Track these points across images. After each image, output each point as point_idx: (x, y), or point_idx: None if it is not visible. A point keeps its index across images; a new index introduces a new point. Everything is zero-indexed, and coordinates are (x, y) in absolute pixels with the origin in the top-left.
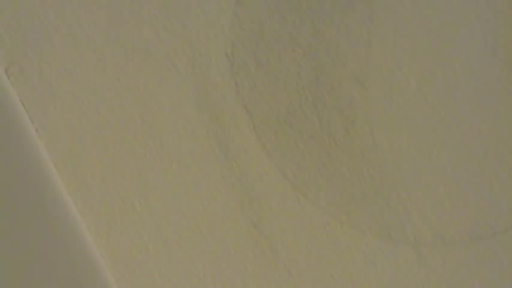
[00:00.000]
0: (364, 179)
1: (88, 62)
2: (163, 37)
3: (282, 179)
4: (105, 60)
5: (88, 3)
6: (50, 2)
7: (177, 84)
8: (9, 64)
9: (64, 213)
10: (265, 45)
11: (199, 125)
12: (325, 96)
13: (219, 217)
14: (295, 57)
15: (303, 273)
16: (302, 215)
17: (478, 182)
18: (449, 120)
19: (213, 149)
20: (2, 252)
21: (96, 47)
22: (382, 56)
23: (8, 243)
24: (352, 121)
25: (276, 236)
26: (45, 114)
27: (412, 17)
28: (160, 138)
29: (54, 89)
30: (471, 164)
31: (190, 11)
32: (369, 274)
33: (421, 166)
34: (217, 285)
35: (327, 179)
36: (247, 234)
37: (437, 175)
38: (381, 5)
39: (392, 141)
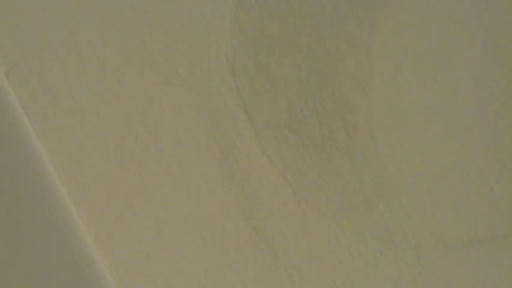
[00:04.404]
0: (364, 183)
1: (88, 66)
2: (164, 41)
3: (283, 183)
4: (106, 65)
5: (88, 7)
6: (51, 6)
7: (178, 88)
8: (9, 68)
9: (64, 216)
10: (266, 49)
11: (200, 129)
12: (326, 100)
13: (220, 221)
14: (296, 62)
15: (304, 278)
16: (303, 219)
17: (478, 186)
18: (449, 125)
19: (213, 153)
20: (3, 256)
21: (97, 51)
22: (382, 60)
23: (8, 246)
24: (353, 125)
25: (277, 240)
26: (46, 118)
27: (413, 21)
28: (161, 142)
29: (55, 93)
30: (472, 169)
31: (191, 15)
32: (369, 278)
33: (422, 170)
34: None
35: (327, 183)
36: (248, 238)
37: (438, 179)
38: (381, 10)
39: (393, 145)
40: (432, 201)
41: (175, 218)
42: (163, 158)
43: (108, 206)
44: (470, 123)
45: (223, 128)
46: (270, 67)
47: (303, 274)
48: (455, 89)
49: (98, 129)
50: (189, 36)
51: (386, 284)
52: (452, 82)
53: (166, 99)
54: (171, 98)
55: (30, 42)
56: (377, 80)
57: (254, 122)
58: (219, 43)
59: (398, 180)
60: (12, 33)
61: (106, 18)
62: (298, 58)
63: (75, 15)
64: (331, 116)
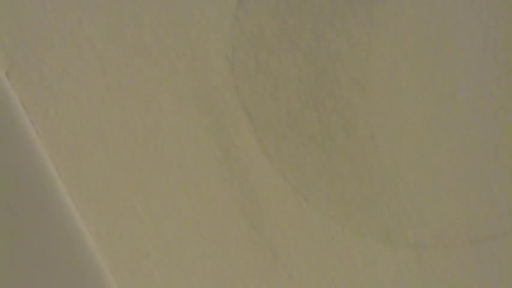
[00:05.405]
0: (364, 182)
1: (89, 64)
2: (164, 40)
3: (283, 181)
4: (106, 63)
5: (89, 5)
6: (51, 4)
7: (178, 87)
8: (10, 66)
9: (65, 215)
10: (266, 48)
11: (200, 127)
12: (326, 99)
13: (220, 220)
14: (296, 61)
15: (304, 276)
16: (303, 217)
17: (477, 185)
18: (449, 124)
19: (213, 151)
20: (4, 255)
21: (97, 49)
22: (382, 59)
23: (8, 245)
24: (353, 124)
25: (277, 238)
26: (46, 117)
27: (412, 20)
28: (161, 141)
29: (55, 92)
30: (471, 167)
31: (191, 14)
32: (369, 277)
33: (421, 169)
34: (217, 287)
35: (327, 182)
36: (248, 237)
37: (438, 178)
38: (381, 8)
39: (392, 144)
40: (432, 200)
41: (175, 216)
42: (164, 158)
43: (109, 205)
44: (470, 122)
45: (223, 127)
46: (270, 66)
47: (303, 272)
48: (454, 88)
49: (98, 128)
50: (190, 36)
51: (385, 283)
52: (452, 81)
53: (167, 98)
54: (171, 97)
55: (30, 41)
56: (377, 79)
57: (254, 121)
58: (219, 43)
59: (397, 179)
60: (13, 32)
61: (106, 18)
62: (298, 57)
63: (75, 13)
64: (331, 114)
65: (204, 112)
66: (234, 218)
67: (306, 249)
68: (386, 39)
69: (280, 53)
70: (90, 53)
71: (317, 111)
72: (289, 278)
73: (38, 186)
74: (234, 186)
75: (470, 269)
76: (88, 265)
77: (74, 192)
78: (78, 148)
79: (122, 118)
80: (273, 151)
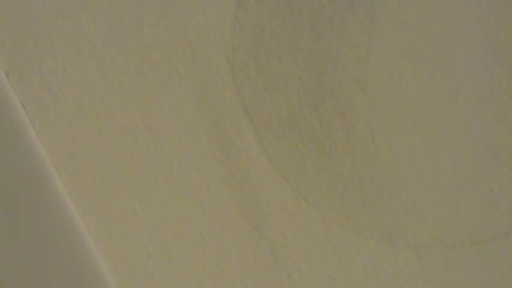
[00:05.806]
0: (364, 183)
1: (88, 65)
2: (164, 40)
3: (283, 182)
4: (106, 64)
5: (89, 6)
6: (51, 4)
7: (178, 88)
8: (9, 67)
9: (64, 216)
10: (266, 48)
11: (200, 128)
12: (326, 100)
13: (220, 220)
14: (296, 61)
15: (304, 277)
16: (303, 218)
17: (478, 185)
18: (449, 124)
19: (213, 152)
20: (3, 255)
21: (97, 50)
22: (382, 59)
23: (8, 246)
24: (353, 125)
25: (277, 239)
26: (46, 117)
27: (413, 21)
28: (161, 142)
29: (55, 92)
30: (472, 168)
31: (191, 15)
32: (369, 278)
33: (422, 170)
34: (217, 287)
35: (327, 182)
36: (248, 238)
37: (438, 179)
38: (381, 9)
39: (392, 145)
40: (432, 201)
41: (175, 216)
42: (163, 158)
43: (108, 206)
44: (470, 122)
45: (223, 127)
46: (270, 67)
47: (303, 273)
48: (455, 88)
49: (98, 128)
50: (189, 36)
51: (385, 284)
52: (452, 81)
53: (166, 98)
54: (171, 98)
55: (30, 41)
56: (377, 79)
57: (254, 122)
58: (219, 43)
59: (398, 179)
60: (12, 33)
61: (106, 18)
62: (298, 58)
63: (75, 14)
64: (331, 115)
65: (203, 112)
66: (233, 218)
67: (306, 249)
68: (386, 39)
69: (280, 53)
70: (90, 54)
71: (317, 112)
72: (289, 278)
73: (38, 186)
74: (234, 187)
75: (470, 270)
76: (88, 265)
77: (73, 193)
78: (78, 148)
79: (122, 118)
80: (273, 151)
